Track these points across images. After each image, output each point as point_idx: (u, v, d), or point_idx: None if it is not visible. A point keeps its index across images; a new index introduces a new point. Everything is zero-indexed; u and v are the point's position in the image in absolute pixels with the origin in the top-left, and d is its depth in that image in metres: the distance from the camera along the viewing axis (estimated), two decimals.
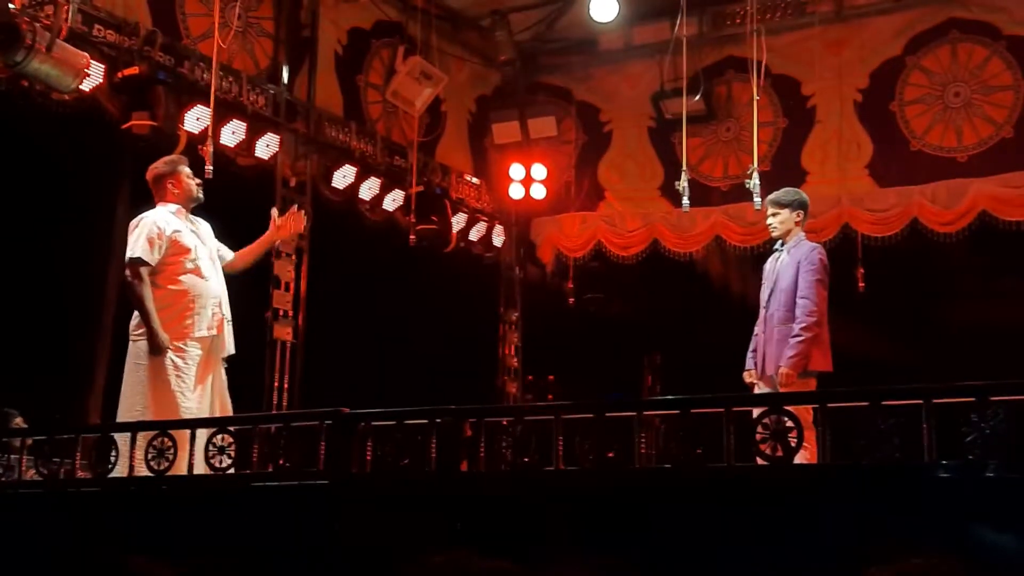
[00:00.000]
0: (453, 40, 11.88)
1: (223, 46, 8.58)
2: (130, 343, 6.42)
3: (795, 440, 4.31)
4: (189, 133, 8.60)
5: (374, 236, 10.84)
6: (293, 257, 9.91)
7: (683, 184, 8.89)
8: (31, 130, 8.38)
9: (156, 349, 6.25)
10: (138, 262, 6.32)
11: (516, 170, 12.26)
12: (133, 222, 6.50)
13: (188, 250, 6.47)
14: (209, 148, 7.77)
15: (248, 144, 9.30)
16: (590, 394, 11.16)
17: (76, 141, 8.62)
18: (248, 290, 8.13)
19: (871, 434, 4.12)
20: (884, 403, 4.18)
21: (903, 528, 4.01)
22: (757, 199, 8.34)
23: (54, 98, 7.97)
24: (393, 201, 10.86)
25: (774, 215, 6.97)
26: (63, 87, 7.78)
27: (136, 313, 6.38)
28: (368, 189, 10.63)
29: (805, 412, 4.82)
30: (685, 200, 8.94)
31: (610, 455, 4.56)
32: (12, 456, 6.25)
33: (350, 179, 10.46)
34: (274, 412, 9.05)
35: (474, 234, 11.94)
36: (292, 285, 9.88)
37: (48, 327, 8.76)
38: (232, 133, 9.10)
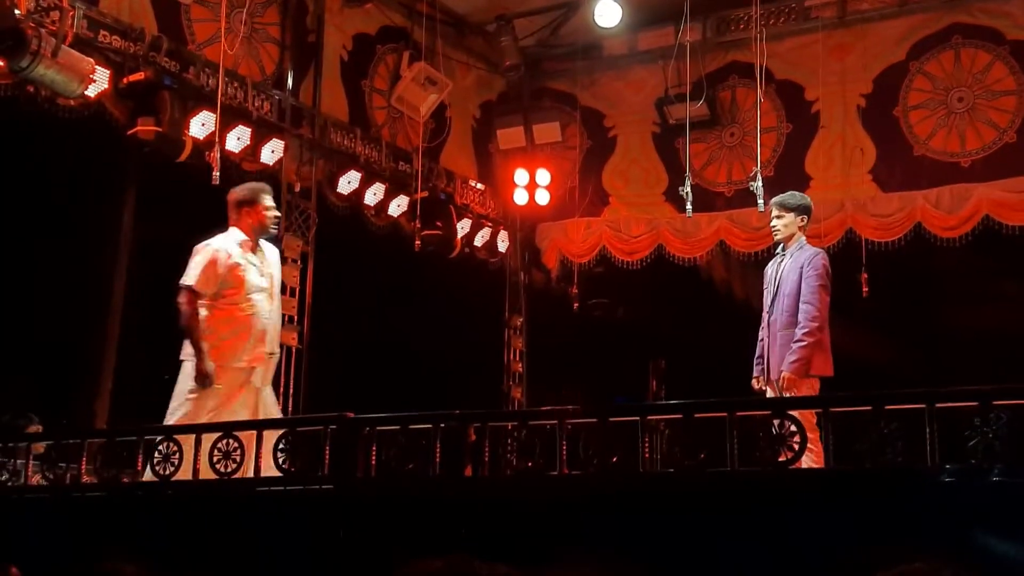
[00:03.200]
0: (458, 46, 11.88)
1: (229, 52, 8.60)
2: (182, 362, 6.49)
3: (798, 444, 4.32)
4: (194, 139, 8.59)
5: (379, 241, 10.84)
6: (299, 263, 9.92)
7: (687, 189, 8.94)
8: (37, 135, 8.41)
9: (201, 380, 6.30)
10: (189, 290, 6.39)
11: (521, 175, 12.26)
12: (198, 247, 6.56)
13: (243, 285, 6.52)
14: (216, 154, 7.80)
15: (253, 149, 9.26)
16: (595, 399, 11.20)
17: (82, 146, 8.64)
18: None
19: (874, 438, 4.13)
20: (887, 407, 4.19)
21: (906, 532, 4.01)
22: (761, 202, 8.36)
23: (60, 104, 7.95)
24: (398, 207, 10.85)
25: (779, 218, 7.00)
26: (69, 93, 7.78)
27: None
28: (373, 195, 10.62)
29: (809, 414, 4.84)
30: (689, 205, 8.99)
31: (614, 459, 4.57)
32: (19, 461, 6.27)
33: (355, 185, 10.44)
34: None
35: (479, 239, 11.91)
36: (297, 291, 9.89)
37: (54, 332, 8.77)
38: (237, 139, 9.07)
